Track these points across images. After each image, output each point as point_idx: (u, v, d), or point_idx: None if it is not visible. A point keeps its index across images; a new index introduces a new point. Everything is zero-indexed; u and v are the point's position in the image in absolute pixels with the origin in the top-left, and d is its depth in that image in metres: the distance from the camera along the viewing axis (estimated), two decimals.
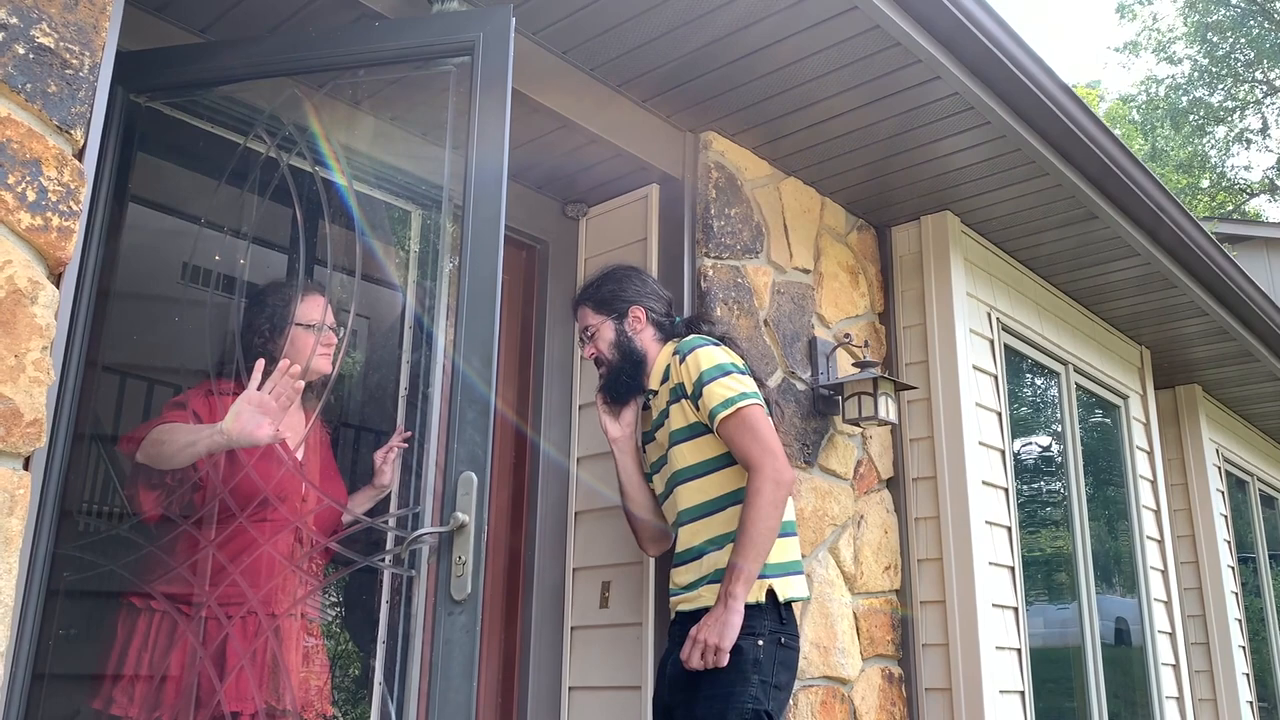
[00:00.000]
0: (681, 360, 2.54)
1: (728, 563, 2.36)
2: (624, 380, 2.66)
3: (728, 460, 2.51)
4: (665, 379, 2.62)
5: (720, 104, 3.22)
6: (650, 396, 2.68)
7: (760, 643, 2.35)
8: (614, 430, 2.70)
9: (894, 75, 3.05)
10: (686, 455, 2.55)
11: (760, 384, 2.59)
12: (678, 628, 2.52)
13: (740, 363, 2.58)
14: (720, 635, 2.29)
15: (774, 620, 2.40)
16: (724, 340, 2.66)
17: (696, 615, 2.41)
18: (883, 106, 3.22)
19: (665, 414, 2.60)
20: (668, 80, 3.09)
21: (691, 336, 2.63)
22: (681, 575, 2.54)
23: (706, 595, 2.43)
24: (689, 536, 2.53)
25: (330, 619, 3.26)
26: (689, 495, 2.54)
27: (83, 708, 2.16)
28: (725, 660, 2.29)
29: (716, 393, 2.47)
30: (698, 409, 2.51)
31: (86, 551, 2.17)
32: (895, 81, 3.09)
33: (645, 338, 2.68)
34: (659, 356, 2.66)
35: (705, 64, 3.01)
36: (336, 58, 2.25)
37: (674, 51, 2.94)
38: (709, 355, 2.53)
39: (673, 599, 2.57)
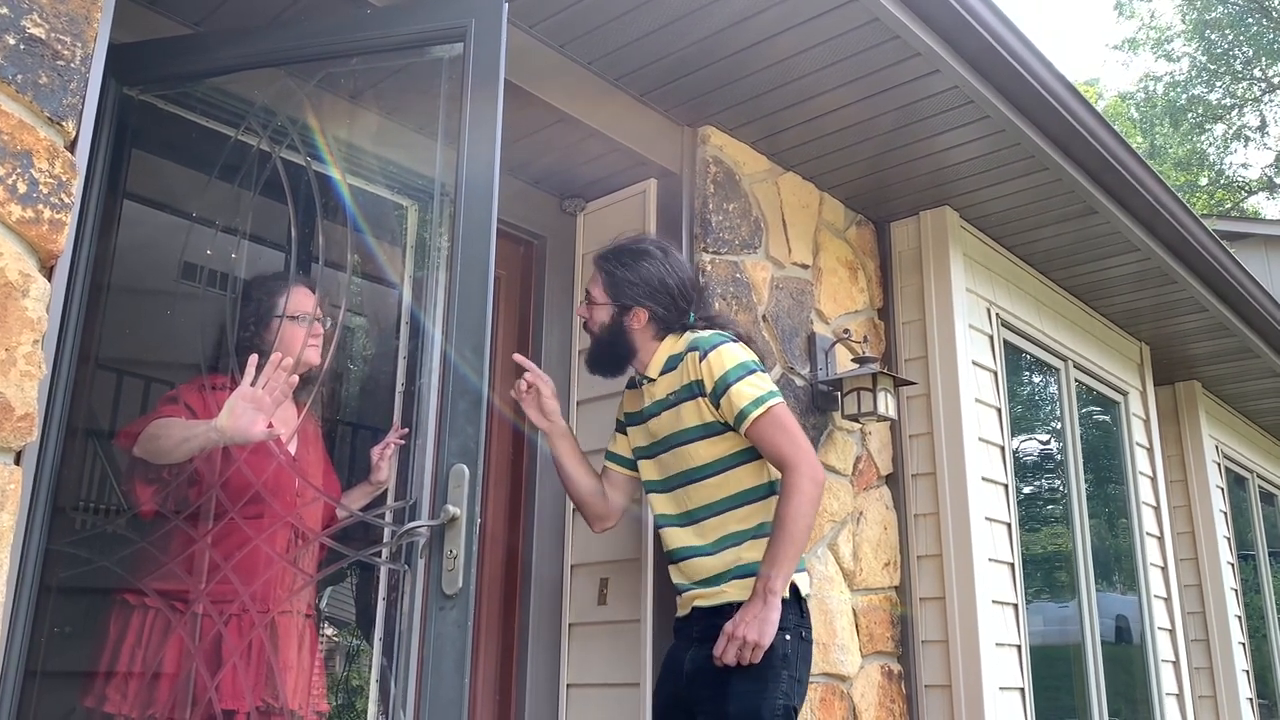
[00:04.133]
0: (702, 357, 2.47)
1: (765, 559, 2.32)
2: (606, 360, 2.64)
3: (745, 457, 2.48)
4: (669, 369, 2.55)
5: (718, 98, 3.20)
6: (644, 382, 2.63)
7: (788, 638, 2.33)
8: (543, 423, 2.65)
9: (893, 69, 3.04)
10: (703, 453, 2.50)
11: None
12: (695, 625, 2.46)
13: (760, 361, 2.54)
14: (761, 632, 2.26)
15: (797, 615, 2.38)
16: (741, 339, 2.59)
17: (720, 610, 2.38)
18: (881, 101, 3.21)
19: (666, 405, 2.54)
20: (666, 74, 3.07)
21: (711, 333, 2.55)
22: (694, 571, 2.50)
23: (731, 591, 2.40)
24: (703, 533, 2.49)
25: (326, 615, 3.24)
26: (707, 492, 2.50)
27: (76, 705, 2.14)
28: (760, 656, 2.27)
29: (745, 392, 2.42)
30: (718, 408, 2.46)
31: (80, 548, 2.15)
32: (894, 75, 3.07)
33: (640, 335, 2.60)
34: (661, 345, 2.59)
35: (703, 58, 2.99)
36: (328, 46, 2.24)
37: (672, 45, 2.93)
38: (731, 354, 2.47)
39: (686, 595, 2.51)
